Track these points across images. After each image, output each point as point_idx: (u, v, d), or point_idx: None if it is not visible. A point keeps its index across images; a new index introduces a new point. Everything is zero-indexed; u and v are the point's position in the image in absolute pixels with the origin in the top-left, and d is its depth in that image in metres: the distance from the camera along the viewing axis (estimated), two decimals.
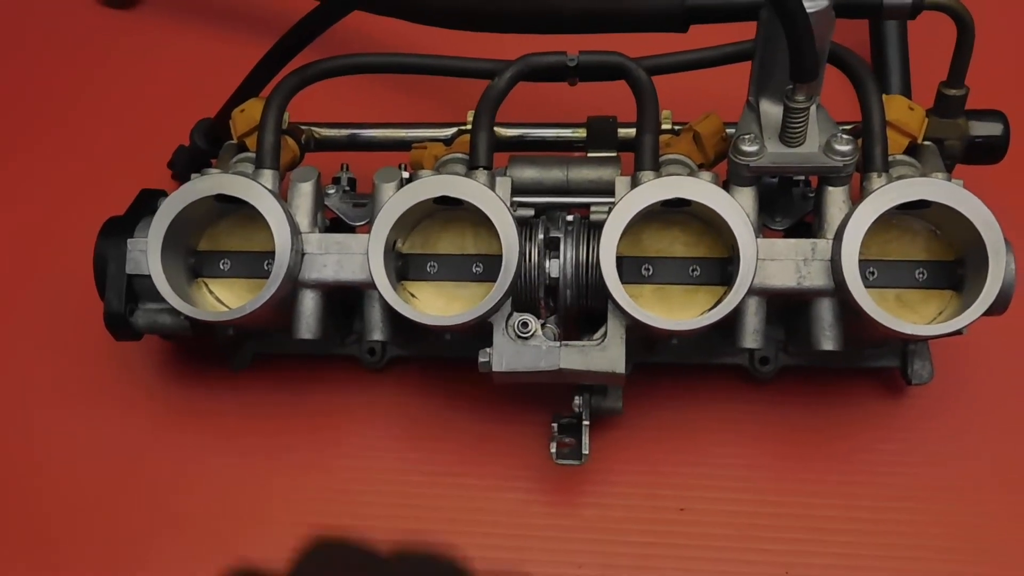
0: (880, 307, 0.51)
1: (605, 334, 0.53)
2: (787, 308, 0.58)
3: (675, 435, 0.61)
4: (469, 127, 0.61)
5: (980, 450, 0.60)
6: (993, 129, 0.62)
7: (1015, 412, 0.61)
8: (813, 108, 0.53)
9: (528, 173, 0.60)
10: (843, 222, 0.52)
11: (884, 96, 0.59)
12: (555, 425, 0.58)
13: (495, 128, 0.65)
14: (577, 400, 0.58)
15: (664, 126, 0.63)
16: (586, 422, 0.57)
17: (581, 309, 0.56)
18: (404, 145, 0.66)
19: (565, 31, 0.62)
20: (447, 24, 0.65)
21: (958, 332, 0.51)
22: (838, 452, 0.60)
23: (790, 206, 0.58)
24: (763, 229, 0.57)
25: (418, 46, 0.71)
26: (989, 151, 0.62)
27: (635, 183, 0.54)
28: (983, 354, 0.62)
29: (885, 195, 0.51)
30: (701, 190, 0.52)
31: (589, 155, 0.63)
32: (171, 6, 0.84)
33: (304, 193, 0.56)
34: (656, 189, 0.52)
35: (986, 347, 0.62)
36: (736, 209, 0.51)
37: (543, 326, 0.54)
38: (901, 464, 0.60)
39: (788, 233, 0.59)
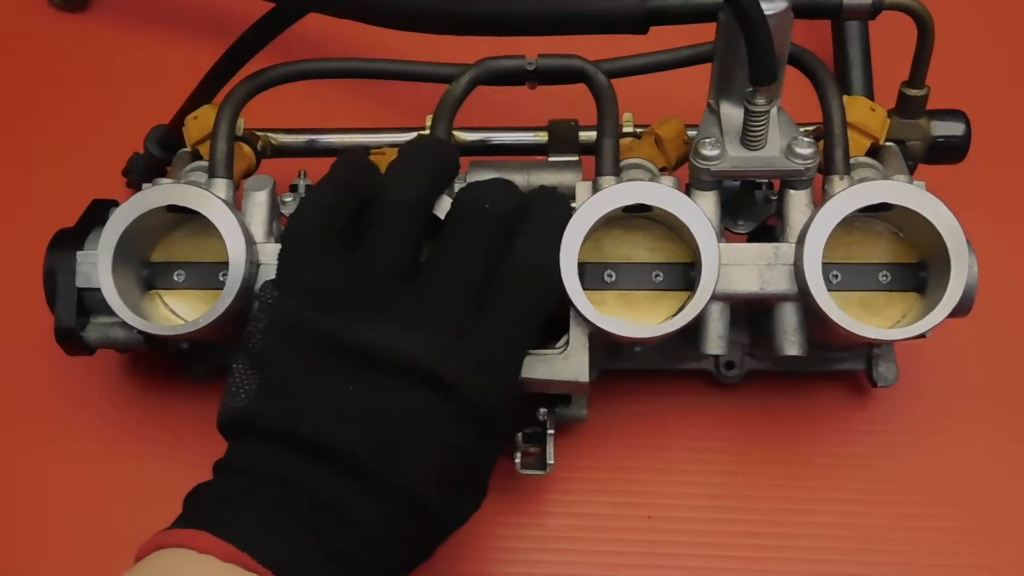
0: (843, 311, 0.51)
1: (568, 342, 0.53)
2: (752, 312, 0.57)
3: (641, 442, 0.60)
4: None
5: (946, 451, 0.60)
6: (955, 129, 0.61)
7: (980, 413, 0.61)
8: (774, 111, 0.53)
9: (488, 177, 0.59)
10: (805, 226, 0.51)
11: (846, 98, 0.59)
12: (519, 435, 0.57)
13: (456, 133, 0.65)
14: (542, 410, 0.57)
15: (626, 129, 0.62)
16: (550, 431, 0.56)
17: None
18: (363, 151, 0.64)
19: (525, 33, 0.61)
20: (406, 27, 0.64)
21: (921, 335, 0.51)
22: (805, 456, 0.60)
23: (753, 209, 0.57)
24: (726, 233, 0.57)
25: (379, 48, 0.70)
26: (951, 151, 0.62)
27: (596, 188, 0.53)
28: (948, 355, 0.62)
29: (846, 198, 0.50)
30: (662, 195, 0.51)
31: (550, 159, 0.62)
32: (125, 8, 0.82)
33: (258, 202, 0.55)
34: (616, 195, 0.51)
35: (951, 348, 0.61)
36: (697, 214, 0.51)
37: None
38: (868, 467, 0.60)
39: (752, 237, 0.58)
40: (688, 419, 0.61)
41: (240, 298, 0.52)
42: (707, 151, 0.52)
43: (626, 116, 0.62)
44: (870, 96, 0.69)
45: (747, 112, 0.51)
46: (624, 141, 0.61)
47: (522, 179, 0.60)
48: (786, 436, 0.61)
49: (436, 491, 0.46)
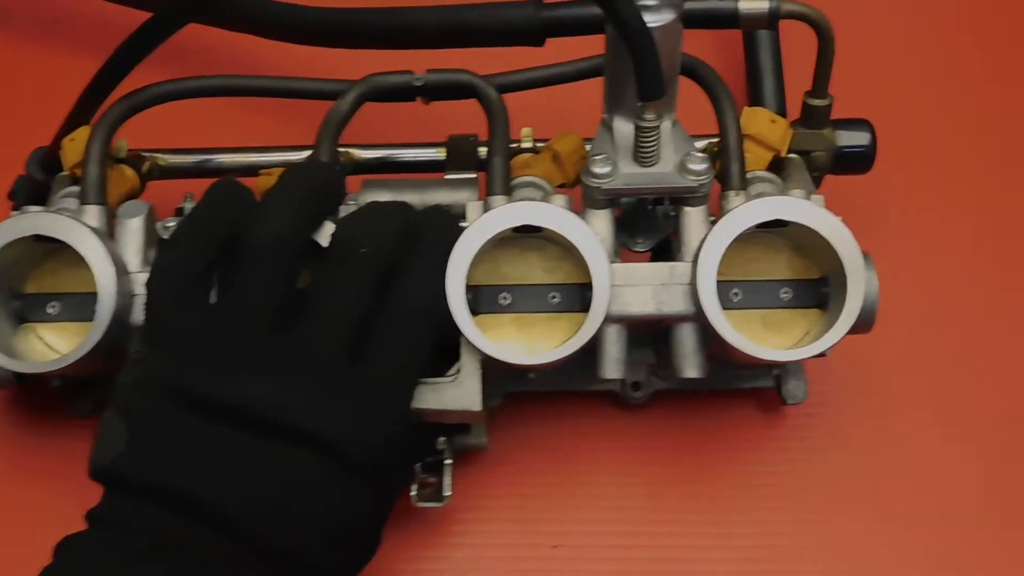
0: (740, 331, 0.49)
1: (459, 369, 0.51)
2: (655, 332, 0.56)
3: (547, 467, 0.58)
4: None
5: (859, 467, 0.58)
6: (860, 139, 0.60)
7: (892, 427, 0.60)
8: (667, 125, 0.51)
9: (380, 197, 0.57)
10: (700, 244, 0.49)
11: (746, 109, 0.57)
12: (418, 466, 0.55)
13: (351, 150, 0.62)
14: (441, 438, 0.55)
15: (525, 144, 0.60)
16: (448, 461, 0.54)
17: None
18: (255, 171, 0.62)
19: (419, 46, 0.59)
20: (295, 39, 0.61)
21: (821, 355, 0.49)
22: (715, 476, 0.58)
23: (652, 226, 0.56)
24: (624, 252, 0.55)
25: (287, 62, 0.68)
26: (857, 161, 0.61)
27: (486, 209, 0.51)
28: (859, 370, 0.60)
29: (740, 215, 0.49)
30: (550, 215, 0.49)
31: (447, 176, 0.60)
32: (19, 19, 0.78)
33: (132, 230, 0.52)
34: (503, 216, 0.49)
35: (863, 363, 0.60)
36: (587, 235, 0.49)
37: None
38: (780, 486, 0.58)
39: (654, 255, 0.57)
40: (595, 442, 0.59)
41: (112, 331, 0.50)
42: (598, 168, 0.50)
43: (525, 131, 0.60)
44: (782, 107, 0.68)
45: (637, 128, 0.49)
46: (522, 157, 0.59)
47: (416, 198, 0.57)
48: (696, 457, 0.59)
49: (314, 551, 0.44)
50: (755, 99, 0.70)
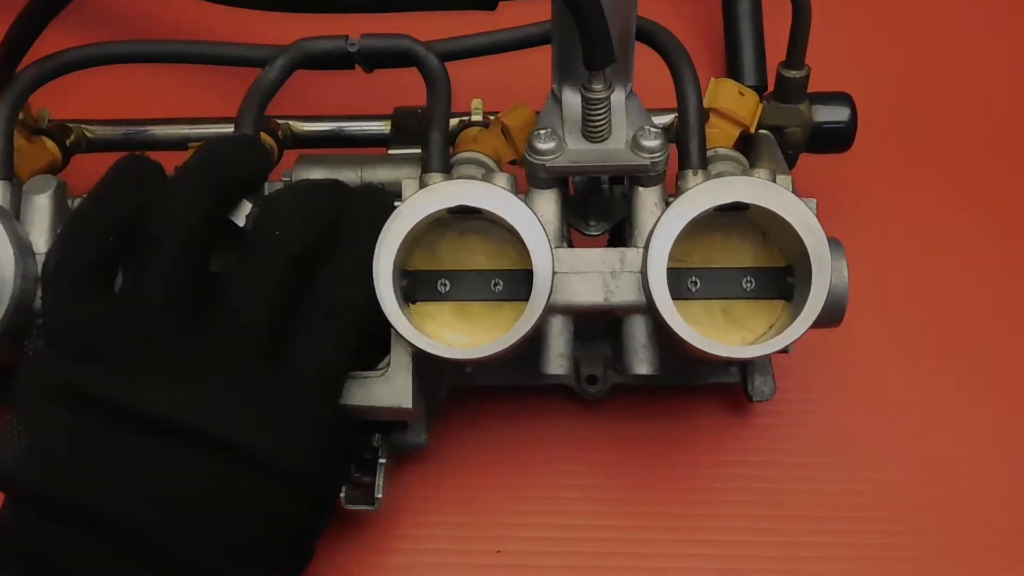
0: (697, 324, 0.45)
1: (389, 363, 0.47)
2: (611, 322, 0.51)
3: (493, 467, 0.54)
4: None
5: (827, 472, 0.54)
6: (839, 114, 0.56)
7: (866, 428, 0.55)
8: (620, 97, 0.47)
9: (315, 174, 0.53)
10: (652, 228, 0.45)
11: (713, 81, 0.53)
12: (352, 465, 0.51)
13: (291, 122, 0.58)
14: (376, 435, 0.51)
15: (475, 117, 0.56)
16: (381, 460, 0.50)
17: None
18: (188, 144, 0.58)
19: (359, 10, 0.55)
20: (227, 1, 0.57)
21: (784, 351, 0.45)
22: (674, 478, 0.54)
23: (606, 208, 0.51)
24: (576, 236, 0.51)
25: (218, 31, 0.63)
26: (835, 138, 0.56)
27: (423, 187, 0.47)
28: (831, 366, 0.56)
29: (697, 197, 0.44)
30: (488, 196, 0.45)
31: (391, 152, 0.55)
32: None
33: (39, 207, 0.48)
34: (435, 196, 0.45)
35: (834, 357, 0.56)
36: (528, 217, 0.44)
37: None
38: (743, 490, 0.54)
39: (611, 239, 0.52)
40: (546, 440, 0.55)
41: (14, 316, 0.46)
42: (541, 144, 0.45)
43: (475, 103, 0.56)
44: (763, 81, 0.64)
45: (584, 99, 0.45)
46: (470, 131, 0.55)
47: (354, 175, 0.53)
48: (654, 458, 0.55)
49: (233, 568, 0.40)
50: (733, 71, 0.65)
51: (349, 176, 0.53)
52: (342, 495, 0.49)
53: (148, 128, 0.58)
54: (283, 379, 0.42)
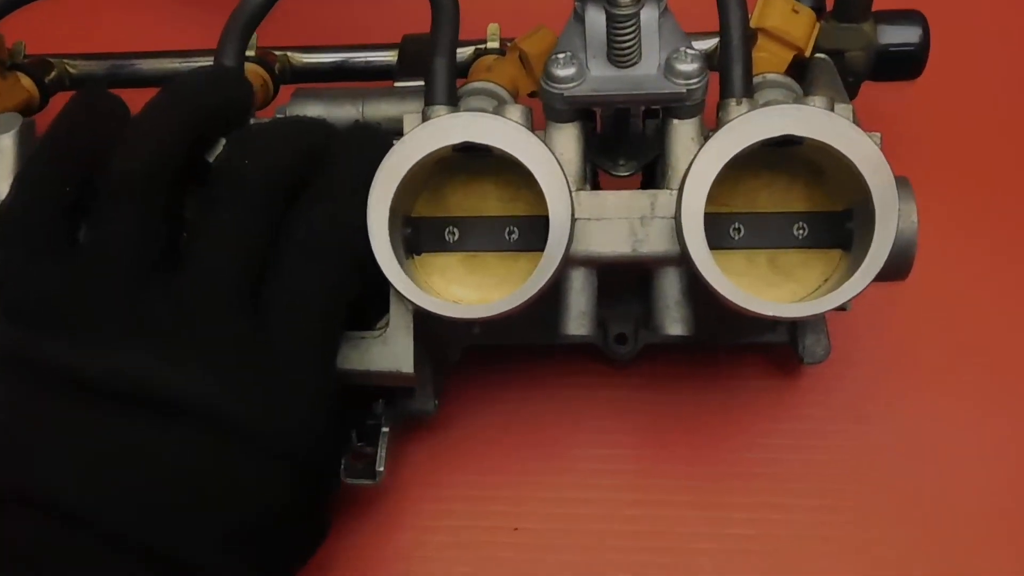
0: (740, 277, 0.39)
1: (388, 322, 0.41)
2: (642, 275, 0.45)
3: (510, 437, 0.49)
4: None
5: (885, 447, 0.48)
6: (908, 35, 0.48)
7: (931, 396, 0.49)
8: (654, 15, 0.40)
9: (312, 110, 0.47)
10: (688, 167, 0.39)
11: None
12: (353, 432, 0.46)
13: (289, 54, 0.53)
14: (380, 401, 0.46)
15: (491, 44, 0.50)
16: (384, 429, 0.45)
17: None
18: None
19: None
20: None
21: (841, 308, 0.39)
22: (712, 451, 0.48)
23: (638, 145, 0.45)
24: (604, 177, 0.45)
25: None
26: (904, 64, 0.49)
27: (424, 120, 0.41)
28: (893, 324, 0.49)
29: (741, 129, 0.38)
30: (497, 132, 0.39)
31: (396, 85, 0.50)
32: None
33: (1, 149, 0.43)
34: (437, 132, 0.39)
35: (898, 315, 0.49)
36: (543, 155, 0.38)
37: None
38: (787, 465, 0.48)
39: (644, 182, 0.46)
40: (569, 406, 0.49)
41: None
42: (559, 70, 0.39)
43: (491, 28, 0.50)
44: (821, 7, 0.56)
45: (609, 16, 0.38)
46: (485, 59, 0.49)
47: (355, 110, 0.48)
48: (691, 427, 0.49)
49: (232, 559, 0.36)
50: None
51: (349, 111, 0.48)
52: (342, 467, 0.44)
53: (135, 62, 0.53)
54: (262, 334, 0.37)
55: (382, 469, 0.44)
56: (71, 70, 0.53)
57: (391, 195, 0.39)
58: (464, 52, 0.51)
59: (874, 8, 0.48)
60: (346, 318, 0.40)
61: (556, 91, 0.39)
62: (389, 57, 0.52)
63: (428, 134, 0.39)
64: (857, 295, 0.38)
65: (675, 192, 0.40)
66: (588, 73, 0.40)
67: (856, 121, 0.43)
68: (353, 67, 0.53)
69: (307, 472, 0.38)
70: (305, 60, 0.52)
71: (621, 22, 0.38)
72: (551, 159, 0.39)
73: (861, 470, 0.47)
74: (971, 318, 0.50)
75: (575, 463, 0.48)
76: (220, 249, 0.37)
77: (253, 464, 0.36)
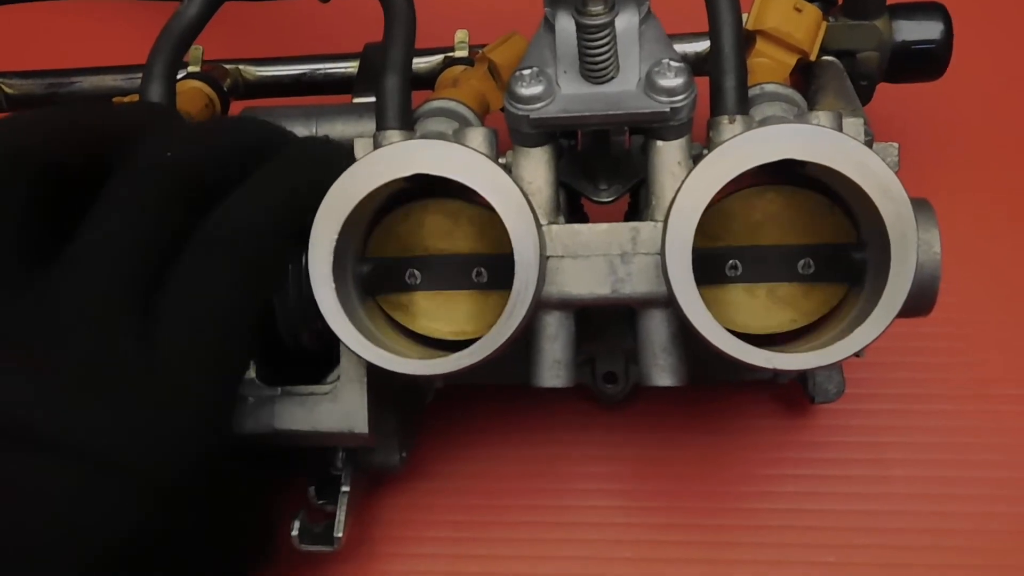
0: (729, 309, 0.34)
1: (339, 376, 0.37)
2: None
3: (489, 486, 0.44)
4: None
5: (905, 494, 0.43)
6: (928, 31, 0.43)
7: (957, 435, 0.44)
8: (632, 22, 0.35)
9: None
10: (674, 196, 0.34)
11: None
12: (312, 489, 0.41)
13: (242, 67, 0.48)
14: (340, 454, 0.41)
15: (459, 53, 0.45)
16: (345, 489, 0.40)
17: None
18: (122, 95, 0.48)
19: None
20: None
21: (854, 355, 0.34)
22: (717, 496, 0.43)
23: (621, 167, 0.40)
24: (585, 204, 0.40)
25: None
26: (924, 62, 0.44)
27: (377, 147, 0.36)
28: (914, 359, 0.44)
29: (733, 153, 0.33)
30: (452, 160, 0.34)
31: (355, 100, 0.45)
32: None
33: None
34: (384, 162, 0.34)
35: (920, 350, 0.44)
36: (505, 187, 0.33)
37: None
38: (802, 512, 0.43)
39: (632, 205, 0.41)
40: (555, 451, 0.45)
41: None
42: (524, 89, 0.34)
43: (459, 34, 0.45)
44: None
45: (579, 27, 0.33)
46: (452, 71, 0.44)
47: (307, 131, 0.43)
48: (690, 473, 0.44)
49: None
50: None
51: (301, 132, 0.43)
52: (294, 533, 0.40)
53: (76, 79, 0.49)
54: (145, 348, 0.31)
55: (341, 535, 0.39)
56: (7, 89, 0.49)
57: (336, 232, 0.34)
58: (432, 61, 0.46)
59: (889, 2, 0.42)
60: (258, 339, 0.34)
61: (521, 112, 0.34)
62: (351, 68, 0.47)
63: (376, 165, 0.34)
64: (871, 343, 0.33)
65: (660, 224, 0.35)
66: (558, 91, 0.35)
67: (869, 131, 0.38)
68: (313, 80, 0.48)
69: (178, 502, 0.32)
70: (260, 73, 0.48)
71: (593, 33, 0.33)
72: (515, 191, 0.34)
73: (879, 514, 0.42)
74: (994, 348, 0.45)
75: (563, 515, 0.44)
76: (105, 247, 0.31)
77: (115, 496, 0.30)
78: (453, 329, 0.38)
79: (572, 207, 0.41)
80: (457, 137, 0.36)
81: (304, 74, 0.48)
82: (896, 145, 0.39)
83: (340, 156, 0.36)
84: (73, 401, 0.30)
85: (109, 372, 0.30)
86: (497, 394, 0.45)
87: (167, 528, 0.31)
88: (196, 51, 0.46)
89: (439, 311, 0.38)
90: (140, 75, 0.47)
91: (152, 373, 0.31)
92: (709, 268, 0.36)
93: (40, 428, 0.29)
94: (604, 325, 0.43)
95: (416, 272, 0.38)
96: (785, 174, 0.35)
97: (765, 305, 0.37)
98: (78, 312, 0.30)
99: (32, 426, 0.29)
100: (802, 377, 0.43)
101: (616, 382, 0.44)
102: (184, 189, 0.32)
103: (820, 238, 0.36)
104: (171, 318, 0.31)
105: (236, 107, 0.46)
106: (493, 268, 0.37)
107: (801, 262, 0.36)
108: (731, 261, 0.36)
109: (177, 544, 0.32)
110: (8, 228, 0.31)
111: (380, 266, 0.37)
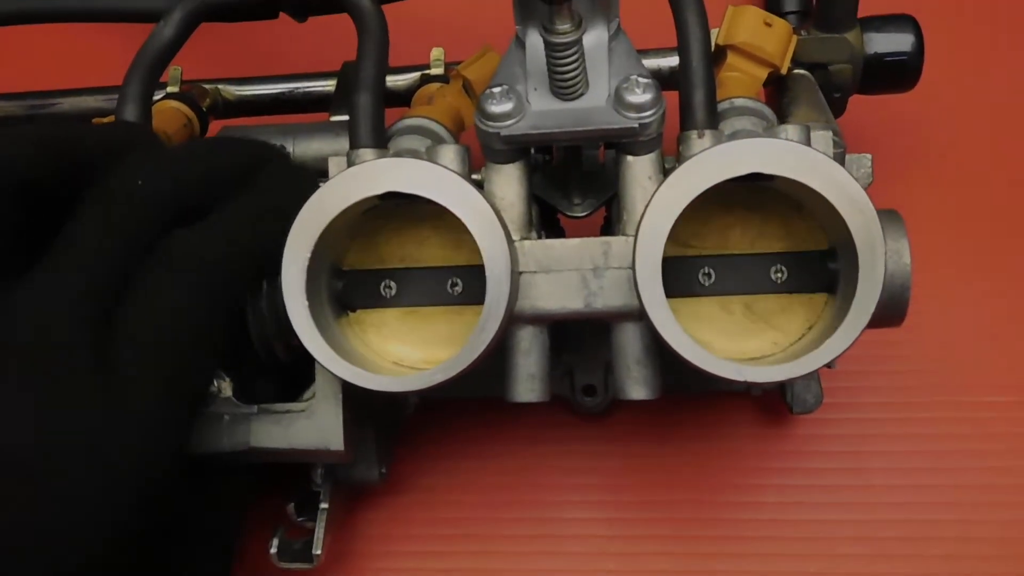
0: (705, 326, 0.35)
1: (315, 394, 0.37)
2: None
3: (471, 497, 0.45)
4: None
5: (884, 503, 0.43)
6: (899, 43, 0.43)
7: (934, 442, 0.44)
8: (602, 38, 0.36)
9: None
10: (644, 211, 0.34)
11: (731, 9, 0.41)
12: (292, 505, 0.41)
13: (220, 86, 0.48)
14: (318, 470, 0.41)
15: (434, 71, 0.45)
16: (324, 505, 0.40)
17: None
18: (103, 115, 0.48)
19: None
20: None
21: (825, 366, 0.34)
22: (698, 506, 0.44)
23: (595, 181, 0.40)
24: (560, 218, 0.40)
25: None
26: (896, 74, 0.44)
27: (350, 165, 0.37)
28: (891, 365, 0.45)
29: (701, 167, 0.33)
30: (424, 178, 0.34)
31: (332, 118, 0.45)
32: None
33: None
34: (357, 181, 0.34)
35: (895, 356, 0.44)
36: (476, 204, 0.34)
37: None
38: (782, 523, 0.43)
39: (608, 219, 0.42)
40: (535, 463, 0.45)
41: None
42: (494, 106, 0.35)
43: (435, 52, 0.45)
44: (806, 10, 0.51)
45: (547, 45, 0.33)
46: (427, 88, 0.44)
47: (285, 148, 0.43)
48: (671, 483, 0.44)
49: None
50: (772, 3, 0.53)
51: None
52: (272, 550, 0.40)
53: (56, 100, 0.49)
54: (100, 363, 0.31)
55: (319, 552, 0.39)
56: None
57: (309, 249, 0.34)
58: (408, 78, 0.47)
59: (860, 14, 0.43)
60: (221, 358, 0.35)
61: (492, 130, 0.35)
62: (329, 86, 0.48)
63: (349, 183, 0.35)
64: (842, 353, 0.33)
65: (631, 239, 0.35)
66: (528, 108, 0.35)
67: (841, 143, 0.38)
68: (292, 98, 0.48)
69: (131, 519, 0.31)
70: (239, 92, 0.48)
71: (561, 51, 0.33)
72: (486, 207, 0.34)
73: (858, 522, 0.43)
74: (971, 353, 0.45)
75: (543, 526, 0.44)
76: (68, 266, 0.31)
77: (71, 512, 0.30)
78: (424, 355, 0.38)
79: (548, 222, 0.41)
80: (430, 154, 0.37)
81: (283, 93, 0.48)
82: (869, 156, 0.40)
83: (308, 182, 0.37)
84: (29, 416, 0.29)
85: (66, 388, 0.30)
86: (477, 407, 0.45)
87: (135, 539, 0.31)
88: (175, 71, 0.46)
89: (412, 334, 0.38)
90: (114, 94, 0.48)
91: (108, 390, 0.30)
92: (681, 277, 0.36)
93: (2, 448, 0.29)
94: (582, 337, 0.43)
95: (392, 284, 0.38)
96: (757, 184, 0.35)
97: (743, 323, 0.37)
98: (38, 329, 0.31)
99: None
100: (780, 388, 0.44)
101: (595, 395, 0.44)
102: (153, 214, 0.33)
103: (792, 246, 0.36)
104: (128, 336, 0.31)
105: (215, 126, 0.47)
106: (470, 279, 0.37)
107: (773, 268, 0.36)
108: (704, 269, 0.36)
109: (145, 554, 0.32)
110: None
111: (355, 279, 0.38)
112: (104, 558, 0.31)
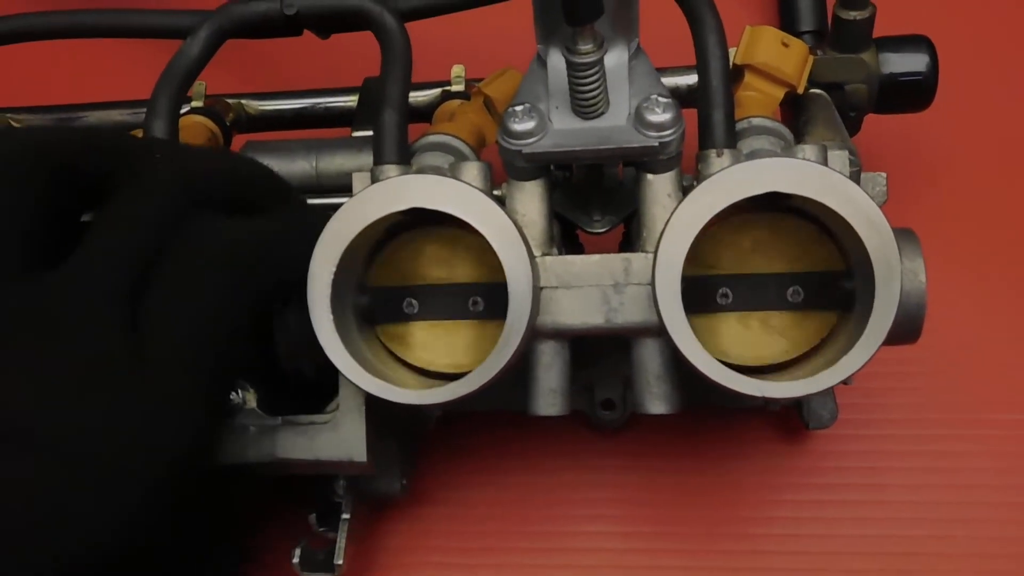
0: (721, 338, 0.35)
1: (339, 406, 0.38)
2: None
3: (490, 511, 0.45)
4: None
5: (900, 520, 0.43)
6: (914, 63, 0.44)
7: (953, 460, 0.44)
8: (622, 58, 0.36)
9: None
10: (664, 228, 0.35)
11: (749, 29, 0.42)
12: (313, 516, 0.42)
13: (244, 101, 0.49)
14: (340, 482, 0.42)
15: (455, 88, 0.46)
16: (345, 516, 0.41)
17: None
18: (129, 129, 0.49)
19: None
20: None
21: (844, 382, 0.35)
22: (714, 522, 0.44)
23: (614, 198, 0.41)
24: (580, 235, 0.41)
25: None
26: (911, 94, 0.45)
27: (374, 181, 0.37)
28: (909, 381, 0.45)
29: (720, 186, 0.34)
30: (447, 194, 0.35)
31: (354, 134, 0.46)
32: None
33: None
34: (381, 197, 0.35)
35: (912, 373, 0.45)
36: (499, 220, 0.34)
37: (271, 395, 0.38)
38: (798, 538, 0.43)
39: (626, 236, 0.42)
40: (554, 477, 0.45)
41: None
42: (516, 124, 0.35)
43: (455, 69, 0.46)
44: (823, 25, 0.52)
45: (569, 65, 0.34)
46: (448, 105, 0.45)
47: (308, 165, 0.44)
48: (687, 498, 0.45)
49: None
50: (787, 14, 0.53)
51: (302, 165, 0.44)
52: (295, 560, 0.40)
53: (83, 114, 0.50)
54: (134, 348, 0.31)
55: (341, 562, 0.40)
56: (16, 124, 0.50)
57: (335, 263, 0.35)
58: (430, 95, 0.47)
59: (876, 35, 0.43)
60: (250, 352, 0.36)
61: (514, 147, 0.35)
62: (351, 102, 0.48)
63: (373, 199, 0.35)
64: (858, 370, 0.33)
65: (651, 255, 0.36)
66: (550, 126, 0.36)
67: (857, 162, 0.39)
68: (314, 113, 0.49)
69: (162, 503, 0.32)
70: (262, 107, 0.49)
71: (582, 70, 0.34)
72: (508, 223, 0.34)
73: (875, 538, 0.43)
74: (987, 370, 0.45)
75: (562, 540, 0.44)
76: (104, 251, 0.32)
77: (103, 495, 0.30)
78: (450, 362, 0.39)
79: (568, 238, 0.42)
80: (452, 171, 0.37)
81: (305, 108, 0.49)
82: (884, 175, 0.40)
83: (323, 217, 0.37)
84: (64, 401, 0.30)
85: (100, 373, 0.31)
86: (497, 420, 0.46)
87: (151, 531, 0.32)
88: (199, 86, 0.47)
89: (436, 343, 0.39)
90: (141, 108, 0.49)
91: (141, 374, 0.31)
92: (700, 296, 0.37)
93: (31, 426, 0.30)
94: (601, 352, 0.44)
95: (413, 301, 0.39)
96: (774, 204, 0.36)
97: (758, 335, 0.38)
98: (73, 315, 0.31)
99: (22, 424, 0.30)
100: (796, 403, 0.44)
101: (614, 409, 0.45)
102: (185, 206, 0.33)
103: (809, 266, 0.37)
104: (159, 322, 0.32)
105: (239, 141, 0.47)
106: (489, 297, 0.38)
107: (790, 290, 0.37)
108: (722, 289, 0.37)
109: (158, 549, 0.33)
110: (22, 220, 0.32)
111: (379, 296, 0.38)
112: (110, 548, 0.31)
